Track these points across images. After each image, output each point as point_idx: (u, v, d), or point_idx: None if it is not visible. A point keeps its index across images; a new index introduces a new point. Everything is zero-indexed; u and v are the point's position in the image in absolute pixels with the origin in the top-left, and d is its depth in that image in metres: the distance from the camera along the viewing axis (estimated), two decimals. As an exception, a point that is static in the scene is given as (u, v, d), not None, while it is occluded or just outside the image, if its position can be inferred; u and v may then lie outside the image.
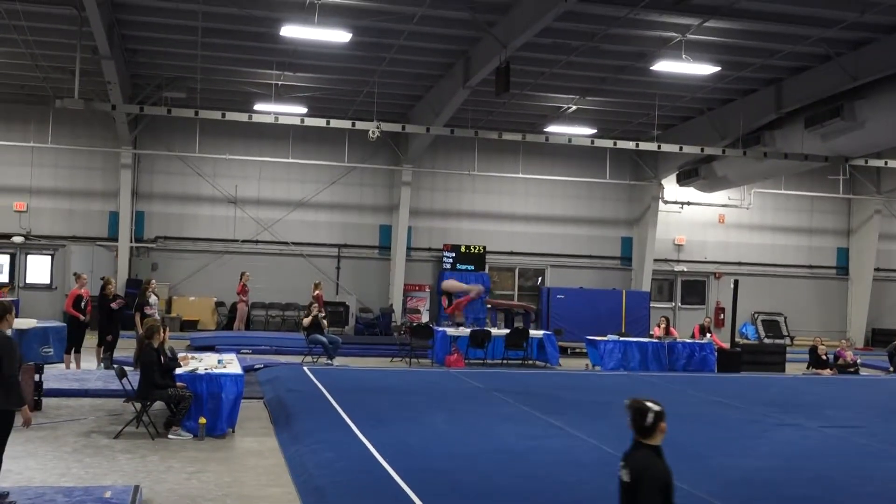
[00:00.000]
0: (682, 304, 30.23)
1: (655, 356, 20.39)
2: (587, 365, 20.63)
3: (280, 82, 22.41)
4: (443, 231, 28.03)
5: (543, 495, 8.27)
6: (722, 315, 29.71)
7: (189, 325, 25.00)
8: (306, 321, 19.09)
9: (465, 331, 20.18)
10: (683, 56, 18.19)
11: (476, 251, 27.39)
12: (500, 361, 20.14)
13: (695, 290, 30.42)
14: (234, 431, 10.84)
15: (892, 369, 22.45)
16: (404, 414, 12.26)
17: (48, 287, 25.43)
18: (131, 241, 25.45)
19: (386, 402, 13.34)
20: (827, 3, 16.19)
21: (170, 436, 10.39)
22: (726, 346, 21.85)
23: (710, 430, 12.10)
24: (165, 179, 26.21)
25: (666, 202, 29.02)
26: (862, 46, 18.46)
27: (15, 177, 25.25)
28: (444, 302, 16.19)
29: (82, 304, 15.87)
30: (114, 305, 15.98)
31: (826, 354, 21.38)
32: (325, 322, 19.15)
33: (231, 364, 11.99)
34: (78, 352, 16.03)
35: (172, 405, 10.69)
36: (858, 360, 22.13)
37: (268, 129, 25.46)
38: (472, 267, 27.17)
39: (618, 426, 11.80)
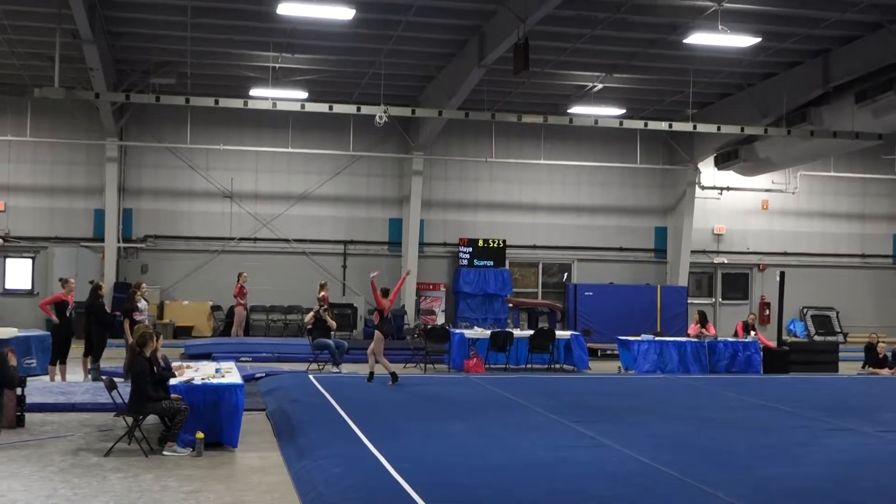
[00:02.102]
0: (722, 299, 30.12)
1: (695, 357, 20.34)
2: (619, 368, 20.59)
3: (278, 65, 22.44)
4: (458, 224, 28.03)
5: (574, 511, 8.26)
6: (767, 311, 29.60)
7: (183, 332, 25.10)
8: (308, 317, 19.13)
9: (485, 333, 20.17)
10: (720, 27, 18.09)
11: (495, 245, 27.38)
12: (523, 367, 20.10)
13: (737, 284, 30.30)
14: (234, 447, 10.87)
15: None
16: (420, 424, 12.25)
17: (29, 293, 25.58)
18: (118, 242, 25.57)
19: (400, 412, 13.33)
20: (878, -36, 16.09)
21: (165, 452, 10.43)
22: (772, 344, 21.77)
23: (756, 437, 12.03)
24: (155, 173, 26.32)
25: (703, 188, 28.91)
26: (917, 12, 18.34)
27: (-8, 174, 25.47)
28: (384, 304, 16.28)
29: (67, 312, 15.93)
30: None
31: (885, 352, 21.26)
32: (332, 322, 19.18)
33: (230, 373, 12.02)
34: (63, 363, 16.10)
35: (167, 419, 10.72)
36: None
37: (265, 116, 25.51)
38: (492, 263, 27.15)
39: (654, 434, 11.86)
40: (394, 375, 16.36)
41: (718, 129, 23.55)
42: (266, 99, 22.39)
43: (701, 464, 10.13)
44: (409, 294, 26.63)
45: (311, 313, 19.03)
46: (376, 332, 16.63)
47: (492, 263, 27.23)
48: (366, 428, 11.65)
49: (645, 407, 14.57)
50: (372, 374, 16.51)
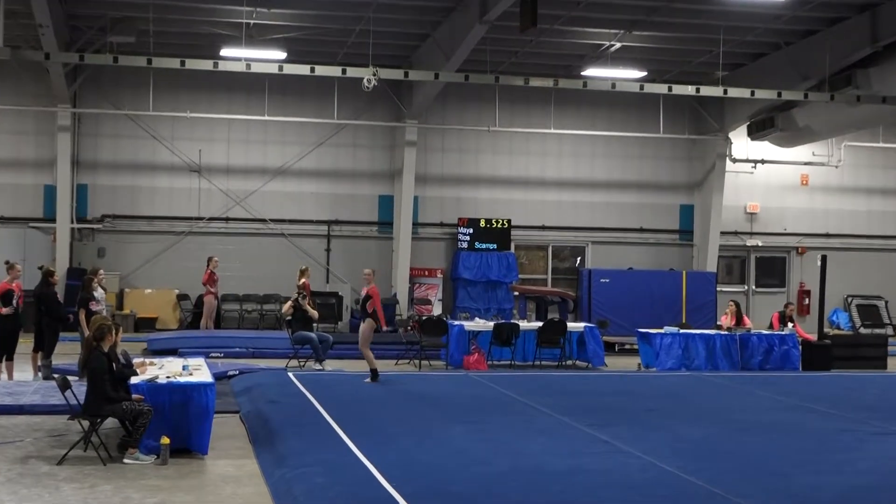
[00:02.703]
0: (756, 286, 30.16)
1: (725, 352, 20.37)
2: (639, 365, 20.62)
3: (252, 21, 22.37)
4: (457, 202, 28.03)
5: (587, 525, 8.29)
6: (807, 300, 29.64)
7: (146, 324, 25.12)
8: (287, 307, 19.15)
9: (487, 325, 20.20)
10: (754, -23, 18.05)
11: (499, 226, 27.38)
12: (531, 363, 20.12)
13: (772, 270, 30.32)
14: (204, 453, 10.89)
15: None
16: (414, 428, 12.30)
17: (-28, 280, 25.55)
18: (72, 222, 25.54)
19: (391, 414, 13.37)
20: None
21: (125, 460, 10.44)
22: (813, 338, 21.80)
23: (794, 442, 12.08)
24: (113, 145, 26.27)
25: (735, 161, 28.88)
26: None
27: (-73, 145, 25.43)
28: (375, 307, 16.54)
29: (13, 300, 15.91)
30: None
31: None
32: (314, 312, 19.20)
33: (199, 371, 12.03)
34: (10, 359, 16.08)
35: (128, 422, 10.73)
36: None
37: (238, 79, 25.44)
38: (495, 245, 27.16)
39: (679, 439, 11.89)
40: (374, 373, 16.45)
41: (752, 93, 23.49)
42: (239, 60, 22.32)
43: (731, 472, 10.16)
44: (402, 281, 26.65)
45: (290, 303, 19.03)
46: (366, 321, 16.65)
47: (495, 246, 27.24)
48: (353, 432, 11.68)
49: (668, 408, 14.61)
50: (375, 371, 16.54)
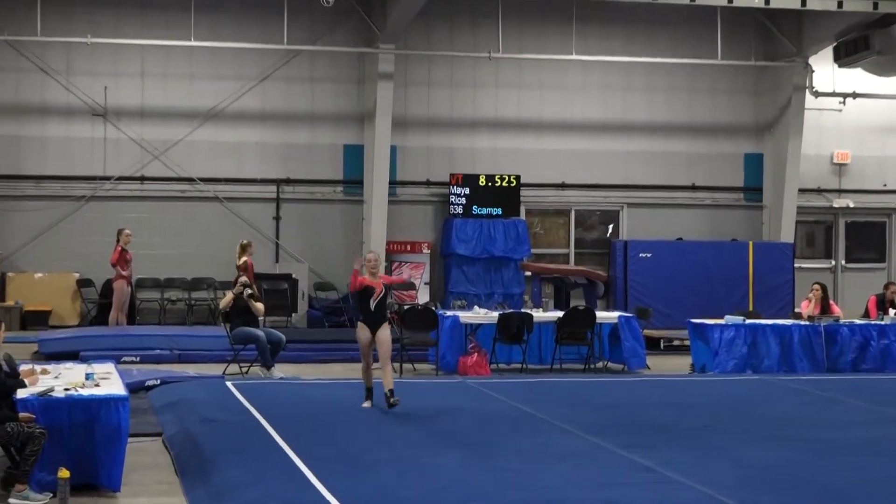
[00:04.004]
0: (847, 261, 30.22)
1: (805, 349, 20.41)
2: (691, 367, 20.66)
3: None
4: (448, 153, 27.99)
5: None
6: (914, 279, 29.74)
7: (36, 319, 25.10)
8: (225, 303, 19.14)
9: (490, 316, 20.17)
10: None
11: (504, 184, 27.33)
12: (548, 366, 20.19)
13: (869, 239, 30.42)
14: (116, 490, 10.88)
15: None
16: (395, 453, 12.28)
17: None
18: (-65, 185, 25.55)
19: (364, 436, 13.35)
20: None
21: (11, 499, 10.43)
22: (923, 328, 21.85)
23: (898, 467, 12.14)
24: (-12, 80, 26.23)
25: (817, 94, 28.85)
26: None
27: None
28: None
29: None
30: None
31: None
32: (259, 305, 19.17)
33: (108, 380, 11.97)
34: None
35: (13, 450, 10.71)
36: None
37: (154, -9, 25.40)
38: (499, 211, 27.15)
39: (745, 464, 11.88)
40: (368, 392, 15.66)
41: (839, 5, 23.43)
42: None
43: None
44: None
45: (230, 294, 19.00)
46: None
47: (500, 212, 27.24)
48: (313, 459, 11.67)
49: (731, 424, 14.62)
50: (391, 392, 15.10)
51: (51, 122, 26.41)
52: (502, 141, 28.29)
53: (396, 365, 19.81)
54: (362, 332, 15.39)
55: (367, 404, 15.44)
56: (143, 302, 25.98)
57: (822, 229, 30.28)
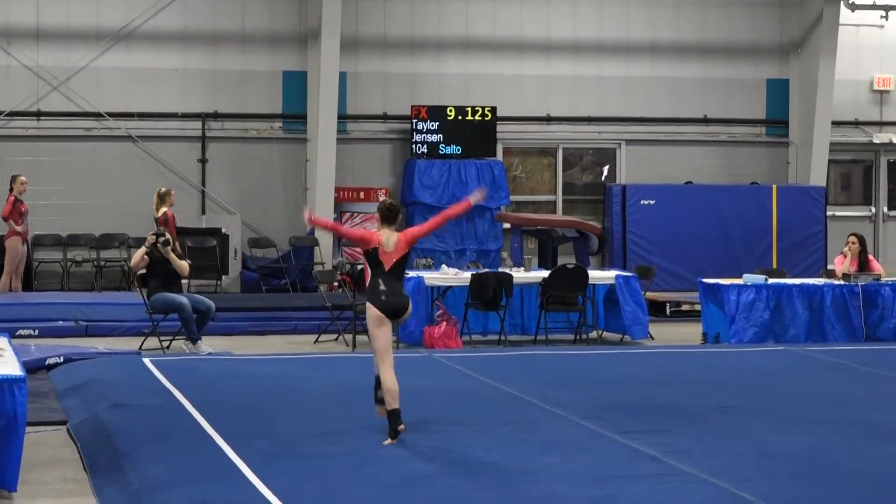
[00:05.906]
0: (889, 208, 30.39)
1: (839, 313, 20.51)
2: (703, 336, 20.79)
3: None
4: (410, 80, 28.00)
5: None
6: (968, 230, 29.98)
7: (-89, 286, 25.08)
8: (136, 260, 19.12)
9: (461, 277, 20.20)
10: None
11: (477, 118, 27.36)
12: (532, 337, 20.32)
13: (915, 181, 30.61)
14: (11, 490, 10.89)
15: None
16: (346, 443, 12.30)
17: None
18: None
19: (310, 422, 13.38)
20: None
21: None
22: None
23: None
24: None
25: (854, 7, 28.92)
26: None
27: None
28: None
29: None
30: None
31: None
32: (182, 263, 19.15)
33: (0, 358, 12.01)
34: None
35: None
36: None
37: None
38: (471, 150, 27.12)
39: (767, 451, 11.93)
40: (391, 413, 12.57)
41: None
42: None
43: (851, 501, 10.26)
44: (323, 209, 26.49)
45: (143, 249, 18.96)
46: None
47: (471, 151, 27.26)
48: (249, 451, 11.67)
49: (751, 404, 14.68)
50: (396, 412, 12.39)
51: (-74, 45, 26.36)
52: (475, 65, 28.30)
53: (348, 336, 19.88)
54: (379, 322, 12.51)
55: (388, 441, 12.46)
56: (42, 263, 25.99)
57: (859, 170, 30.43)
